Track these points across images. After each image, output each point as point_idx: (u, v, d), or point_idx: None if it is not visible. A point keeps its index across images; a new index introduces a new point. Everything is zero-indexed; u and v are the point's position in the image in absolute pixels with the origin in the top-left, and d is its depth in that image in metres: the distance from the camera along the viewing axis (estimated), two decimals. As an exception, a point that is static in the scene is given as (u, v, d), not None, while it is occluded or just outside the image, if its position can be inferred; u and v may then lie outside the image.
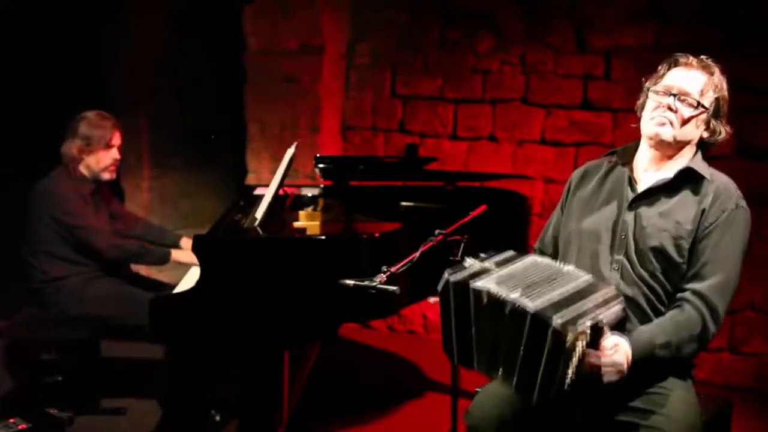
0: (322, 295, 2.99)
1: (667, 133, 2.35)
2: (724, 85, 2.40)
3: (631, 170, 2.46)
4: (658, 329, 2.25)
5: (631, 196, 2.41)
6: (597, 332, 2.10)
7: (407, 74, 4.98)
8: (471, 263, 2.29)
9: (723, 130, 2.40)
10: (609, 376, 2.15)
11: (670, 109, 2.34)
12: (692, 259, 2.31)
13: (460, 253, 2.49)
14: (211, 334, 3.04)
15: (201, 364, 3.39)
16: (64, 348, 3.59)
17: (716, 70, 2.39)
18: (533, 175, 4.64)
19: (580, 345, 2.05)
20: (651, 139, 2.39)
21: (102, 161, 3.73)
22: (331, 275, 2.60)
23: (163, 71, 5.38)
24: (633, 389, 2.29)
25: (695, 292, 2.28)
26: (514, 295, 2.12)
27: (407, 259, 2.43)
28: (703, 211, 2.32)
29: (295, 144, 3.62)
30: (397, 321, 5.09)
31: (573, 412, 2.33)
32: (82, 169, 3.72)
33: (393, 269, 2.36)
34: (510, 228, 2.71)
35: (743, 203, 2.36)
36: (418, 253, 2.44)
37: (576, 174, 2.61)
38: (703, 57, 2.41)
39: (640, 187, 2.41)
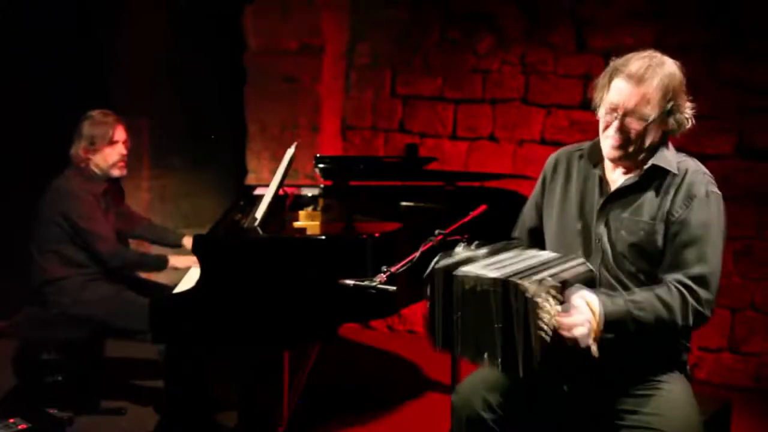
0: (322, 296, 2.99)
1: (623, 155, 2.31)
2: (674, 78, 2.26)
3: (603, 170, 2.42)
4: (633, 294, 2.22)
5: (601, 199, 2.38)
6: (562, 288, 2.09)
7: (407, 74, 4.98)
8: (459, 251, 2.29)
9: (685, 119, 2.30)
10: (578, 330, 2.08)
11: (620, 129, 2.28)
12: (668, 249, 2.27)
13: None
14: (211, 334, 3.04)
15: (201, 364, 3.39)
16: (64, 348, 3.60)
17: (658, 73, 2.24)
18: (533, 175, 4.62)
19: (548, 304, 2.04)
20: (609, 159, 2.37)
21: (109, 158, 3.76)
22: (331, 275, 2.60)
23: (163, 71, 5.38)
24: (630, 388, 2.29)
25: (676, 281, 2.22)
26: (485, 273, 2.11)
27: (407, 259, 2.43)
28: (672, 203, 2.28)
29: (295, 144, 3.63)
30: (397, 321, 5.09)
31: (562, 403, 2.33)
32: (93, 167, 3.75)
33: (393, 269, 2.36)
34: (510, 228, 2.72)
35: (714, 188, 2.31)
36: (418, 253, 2.44)
37: (548, 167, 2.59)
38: (643, 62, 2.26)
39: (612, 187, 2.38)
